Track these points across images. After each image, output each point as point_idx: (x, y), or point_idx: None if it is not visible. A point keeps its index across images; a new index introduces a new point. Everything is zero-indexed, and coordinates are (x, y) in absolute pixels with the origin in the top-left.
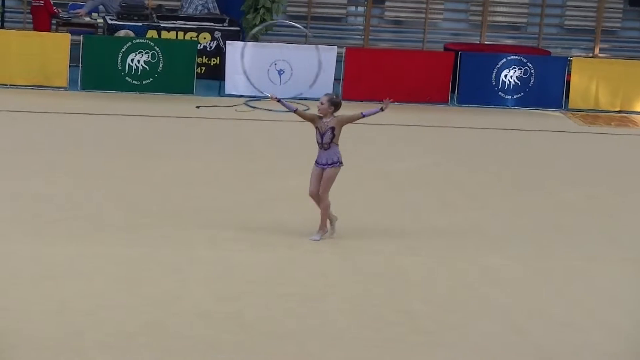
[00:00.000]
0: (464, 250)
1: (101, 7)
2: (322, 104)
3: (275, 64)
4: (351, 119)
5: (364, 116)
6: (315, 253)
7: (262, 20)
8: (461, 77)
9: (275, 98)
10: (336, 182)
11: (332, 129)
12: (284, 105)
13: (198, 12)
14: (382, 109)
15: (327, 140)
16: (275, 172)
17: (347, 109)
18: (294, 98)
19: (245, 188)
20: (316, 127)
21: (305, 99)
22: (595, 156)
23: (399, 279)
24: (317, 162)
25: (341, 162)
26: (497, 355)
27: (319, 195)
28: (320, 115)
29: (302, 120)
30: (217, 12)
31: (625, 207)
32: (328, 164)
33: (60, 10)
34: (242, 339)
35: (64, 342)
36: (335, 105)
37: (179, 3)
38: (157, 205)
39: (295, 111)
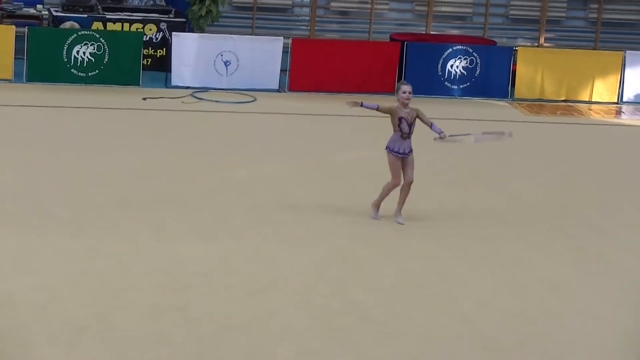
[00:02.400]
0: (411, 242)
1: None
2: (409, 93)
3: (222, 55)
4: (424, 120)
5: (431, 127)
6: (261, 244)
7: (208, 12)
8: (407, 68)
9: (359, 103)
10: (281, 173)
11: (415, 119)
12: (367, 107)
13: (144, 3)
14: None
15: (412, 129)
16: (222, 164)
17: (300, 99)
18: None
19: (191, 179)
20: (401, 118)
21: (251, 90)
22: (541, 145)
23: (346, 270)
24: (398, 152)
25: None
26: (445, 345)
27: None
28: (400, 106)
29: (250, 112)
30: (163, 3)
31: (572, 196)
32: (408, 152)
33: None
34: (189, 331)
35: (11, 335)
36: None
37: None
38: (103, 197)
39: (377, 109)
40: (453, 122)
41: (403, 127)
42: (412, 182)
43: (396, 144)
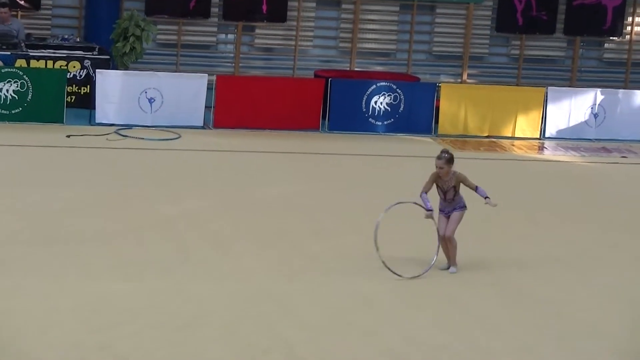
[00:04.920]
0: (339, 276)
1: None
2: (441, 168)
3: (146, 92)
4: (467, 185)
5: (476, 190)
6: (187, 280)
7: (132, 49)
8: (332, 104)
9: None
10: (206, 210)
11: (454, 187)
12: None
13: (67, 41)
14: (486, 200)
15: (450, 197)
16: (147, 200)
17: (224, 136)
18: None
19: (116, 216)
20: (438, 186)
21: (175, 126)
22: None
23: (274, 305)
24: (440, 210)
25: (465, 206)
26: None
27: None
28: (440, 175)
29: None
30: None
31: (494, 230)
32: (453, 209)
33: None
34: None
35: None
36: (452, 161)
37: (48, 32)
38: (28, 235)
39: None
40: (378, 158)
41: (439, 193)
42: (446, 236)
43: (440, 203)
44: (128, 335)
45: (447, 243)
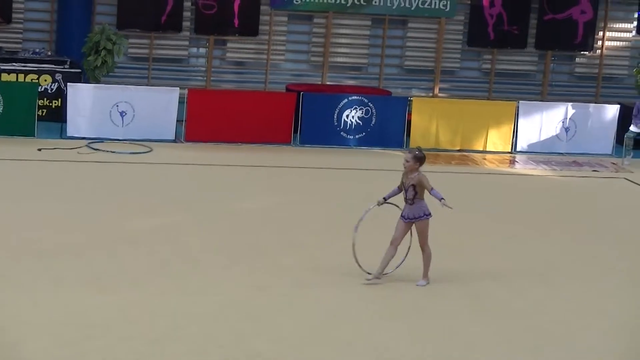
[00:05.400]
0: (311, 289)
1: None
2: (407, 161)
3: (118, 106)
4: (424, 186)
5: (430, 191)
6: (159, 294)
7: (104, 62)
8: (303, 118)
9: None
10: (178, 224)
11: (414, 186)
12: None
13: (38, 54)
14: (442, 202)
15: (410, 196)
16: (119, 214)
17: (196, 150)
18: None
19: (88, 230)
20: (402, 183)
21: (147, 140)
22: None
23: (248, 319)
24: (402, 215)
25: (429, 214)
26: None
27: (399, 245)
28: (407, 172)
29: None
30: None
31: (467, 243)
32: (415, 217)
33: None
34: None
35: None
36: (420, 160)
37: (19, 46)
38: None
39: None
40: (349, 172)
41: (403, 192)
42: (422, 249)
43: (404, 206)
44: (100, 349)
45: (422, 255)
